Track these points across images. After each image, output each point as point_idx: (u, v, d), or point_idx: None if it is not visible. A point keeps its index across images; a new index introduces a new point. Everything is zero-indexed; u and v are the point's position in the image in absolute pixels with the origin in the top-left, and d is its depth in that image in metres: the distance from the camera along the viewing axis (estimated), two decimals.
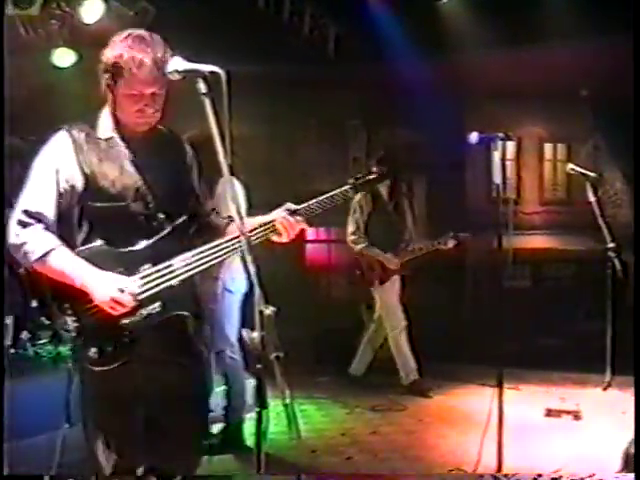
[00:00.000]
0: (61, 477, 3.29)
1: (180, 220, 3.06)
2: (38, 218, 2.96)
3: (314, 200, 3.35)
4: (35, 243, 2.92)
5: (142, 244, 3.00)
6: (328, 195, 3.40)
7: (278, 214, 3.21)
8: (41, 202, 2.98)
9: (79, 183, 3.01)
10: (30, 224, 2.95)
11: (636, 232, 5.69)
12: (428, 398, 7.15)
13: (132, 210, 3.04)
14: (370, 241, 7.42)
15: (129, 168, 3.06)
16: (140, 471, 3.13)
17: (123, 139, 3.08)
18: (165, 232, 3.02)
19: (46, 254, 2.91)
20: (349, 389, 7.46)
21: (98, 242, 2.97)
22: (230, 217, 3.20)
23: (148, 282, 2.96)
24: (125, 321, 2.94)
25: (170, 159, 3.20)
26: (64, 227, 3.02)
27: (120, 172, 3.04)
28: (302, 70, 9.23)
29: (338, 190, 3.45)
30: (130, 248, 3.00)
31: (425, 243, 7.50)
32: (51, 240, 2.95)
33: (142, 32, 3.00)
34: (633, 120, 5.30)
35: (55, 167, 3.00)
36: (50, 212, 2.98)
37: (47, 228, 2.97)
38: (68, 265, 2.91)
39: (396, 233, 7.55)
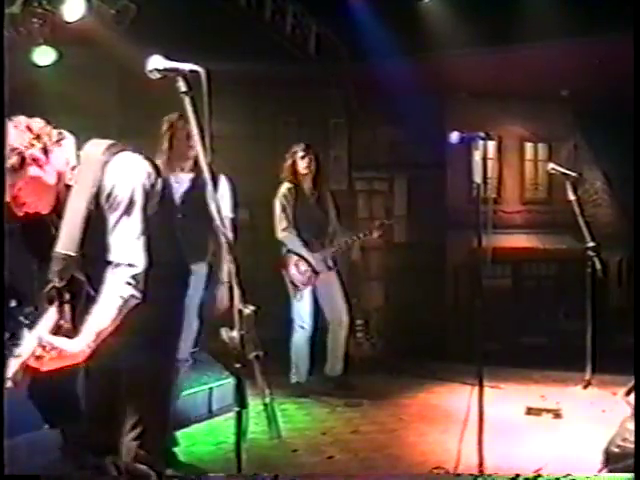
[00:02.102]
0: (58, 477, 3.29)
1: None
2: None
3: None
4: None
5: None
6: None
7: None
8: None
9: None
10: None
11: (636, 232, 5.71)
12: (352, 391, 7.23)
13: None
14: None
15: None
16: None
17: None
18: None
19: None
20: (328, 388, 7.46)
21: None
22: None
23: None
24: None
25: None
26: None
27: None
28: (283, 69, 9.22)
29: None
30: None
31: (349, 235, 7.47)
32: None
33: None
34: (633, 120, 5.31)
35: None
36: None
37: None
38: None
39: (319, 227, 7.44)
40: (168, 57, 2.69)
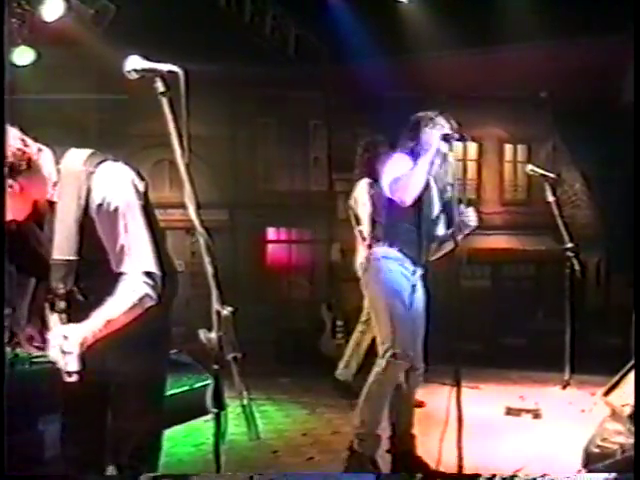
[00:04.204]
0: (58, 477, 3.28)
1: None
2: None
3: None
4: None
5: None
6: None
7: None
8: None
9: None
10: None
11: (636, 232, 5.74)
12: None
13: None
14: None
15: None
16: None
17: None
18: None
19: None
20: (310, 389, 7.46)
21: None
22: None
23: None
24: None
25: None
26: None
27: None
28: (263, 70, 9.23)
29: None
30: None
31: None
32: None
33: None
34: (633, 121, 5.35)
35: None
36: None
37: None
38: None
39: None
40: (146, 57, 2.68)
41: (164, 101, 2.57)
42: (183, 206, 2.48)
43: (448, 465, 4.61)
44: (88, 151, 3.04)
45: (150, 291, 2.92)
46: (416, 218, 4.82)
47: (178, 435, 5.86)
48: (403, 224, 4.82)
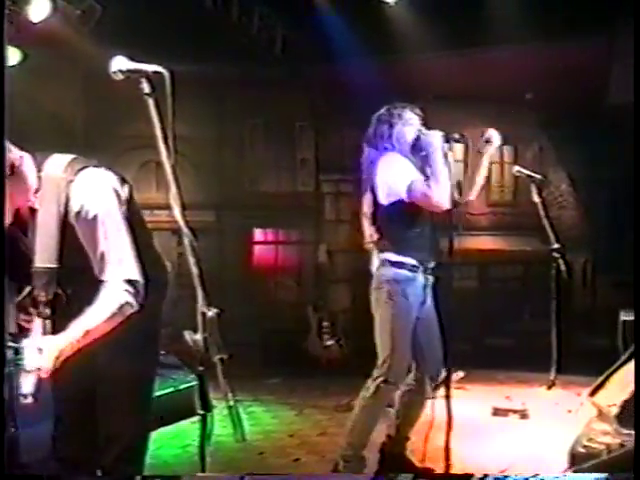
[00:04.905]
0: (58, 477, 3.28)
1: None
2: None
3: None
4: None
5: None
6: None
7: None
8: None
9: None
10: None
11: (636, 232, 5.75)
12: None
13: None
14: None
15: None
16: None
17: None
18: None
19: None
20: (298, 390, 7.46)
21: None
22: None
23: None
24: None
25: None
26: None
27: None
28: (250, 70, 9.22)
29: None
30: None
31: None
32: None
33: None
34: (633, 121, 5.36)
35: None
36: None
37: None
38: None
39: None
40: (132, 58, 2.68)
41: (150, 102, 2.57)
42: (170, 207, 2.48)
43: (435, 465, 4.63)
44: (69, 157, 3.02)
45: (131, 299, 2.90)
46: (424, 223, 4.78)
47: (165, 437, 5.85)
48: (409, 230, 4.77)
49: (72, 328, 2.82)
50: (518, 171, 6.89)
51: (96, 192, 2.95)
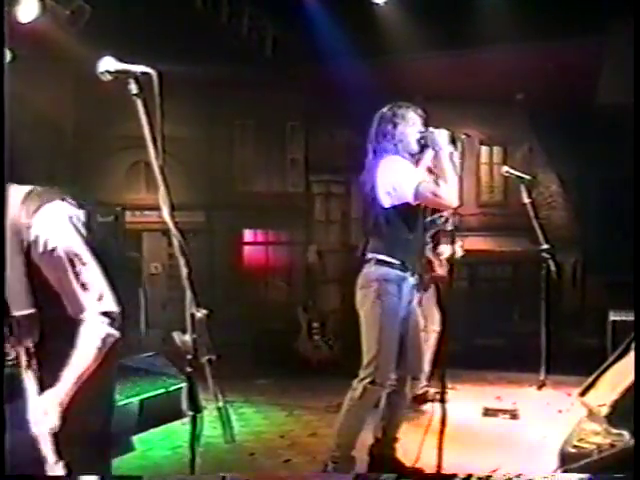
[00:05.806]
0: (58, 477, 3.26)
1: None
2: None
3: None
4: None
5: None
6: None
7: None
8: None
9: None
10: None
11: (636, 232, 5.76)
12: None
13: None
14: None
15: None
16: None
17: None
18: None
19: None
20: (288, 391, 7.45)
21: None
22: None
23: None
24: None
25: None
26: None
27: None
28: (240, 71, 9.21)
29: None
30: None
31: None
32: None
33: None
34: (633, 122, 5.37)
35: None
36: None
37: None
38: None
39: None
40: (120, 59, 2.67)
41: (138, 102, 2.57)
42: (159, 208, 2.47)
43: (426, 466, 4.63)
44: (24, 192, 2.87)
45: (110, 330, 2.86)
46: (414, 225, 4.77)
47: (155, 438, 5.84)
48: (403, 232, 4.76)
49: (65, 379, 2.79)
50: (508, 172, 6.89)
51: (56, 231, 2.86)
